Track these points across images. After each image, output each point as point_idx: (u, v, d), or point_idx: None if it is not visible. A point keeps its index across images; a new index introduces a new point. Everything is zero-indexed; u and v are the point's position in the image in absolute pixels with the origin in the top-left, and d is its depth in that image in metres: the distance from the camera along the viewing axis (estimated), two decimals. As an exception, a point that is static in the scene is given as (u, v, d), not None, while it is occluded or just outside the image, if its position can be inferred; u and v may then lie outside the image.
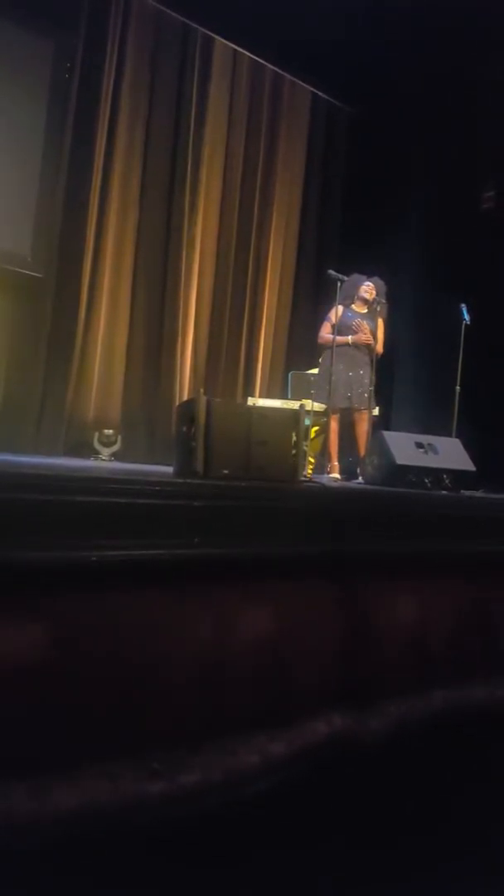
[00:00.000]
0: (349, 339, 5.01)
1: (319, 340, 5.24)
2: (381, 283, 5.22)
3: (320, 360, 5.32)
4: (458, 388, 5.23)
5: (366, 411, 5.09)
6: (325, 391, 4.99)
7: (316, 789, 1.65)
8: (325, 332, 5.13)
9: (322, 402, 5.06)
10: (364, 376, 5.05)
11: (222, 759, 1.53)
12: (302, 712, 1.76)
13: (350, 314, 5.09)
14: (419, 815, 1.75)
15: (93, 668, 1.47)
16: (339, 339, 4.96)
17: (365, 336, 5.02)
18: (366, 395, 5.06)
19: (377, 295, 5.15)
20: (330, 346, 4.98)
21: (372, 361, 5.08)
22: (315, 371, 6.12)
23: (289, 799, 1.60)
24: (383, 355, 5.25)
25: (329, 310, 5.18)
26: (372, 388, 5.09)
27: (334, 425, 5.07)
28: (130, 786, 1.38)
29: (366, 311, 5.13)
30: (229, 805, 1.50)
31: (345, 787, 1.70)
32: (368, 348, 5.09)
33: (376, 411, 5.44)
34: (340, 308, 5.09)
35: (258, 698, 1.71)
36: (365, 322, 5.06)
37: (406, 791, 1.77)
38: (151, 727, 1.51)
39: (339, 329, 4.99)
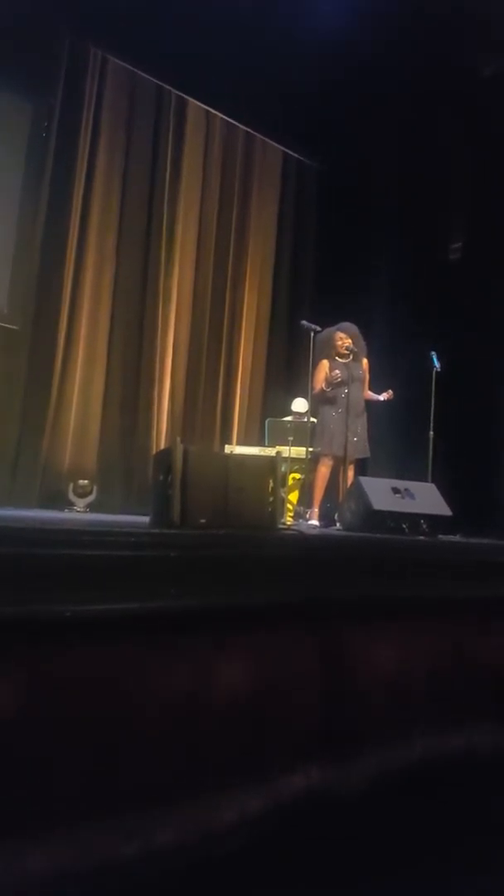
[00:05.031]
0: (322, 385, 5.10)
1: (314, 392, 5.29)
2: (350, 326, 5.30)
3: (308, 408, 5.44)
4: (431, 433, 5.30)
5: (356, 459, 5.15)
6: (323, 438, 5.09)
7: (292, 843, 1.62)
8: (317, 385, 5.21)
9: (323, 450, 5.11)
10: (359, 424, 5.12)
11: (198, 816, 1.50)
12: (280, 766, 1.73)
13: (334, 365, 5.17)
14: (396, 866, 1.72)
15: (65, 726, 1.44)
16: (317, 389, 5.15)
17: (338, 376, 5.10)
18: (363, 443, 5.14)
19: (352, 341, 5.22)
20: (324, 397, 5.11)
21: (364, 409, 5.20)
22: (290, 418, 6.18)
23: (264, 853, 1.56)
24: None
25: (315, 365, 5.25)
26: (366, 436, 5.17)
27: (325, 471, 5.10)
28: (104, 847, 1.34)
29: (348, 359, 5.20)
30: (205, 862, 1.46)
31: (321, 840, 1.67)
32: (360, 397, 5.17)
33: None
34: (326, 362, 5.18)
35: (235, 753, 1.68)
36: (352, 371, 5.13)
37: (383, 843, 1.74)
38: (125, 785, 1.47)
39: (328, 382, 5.10)
